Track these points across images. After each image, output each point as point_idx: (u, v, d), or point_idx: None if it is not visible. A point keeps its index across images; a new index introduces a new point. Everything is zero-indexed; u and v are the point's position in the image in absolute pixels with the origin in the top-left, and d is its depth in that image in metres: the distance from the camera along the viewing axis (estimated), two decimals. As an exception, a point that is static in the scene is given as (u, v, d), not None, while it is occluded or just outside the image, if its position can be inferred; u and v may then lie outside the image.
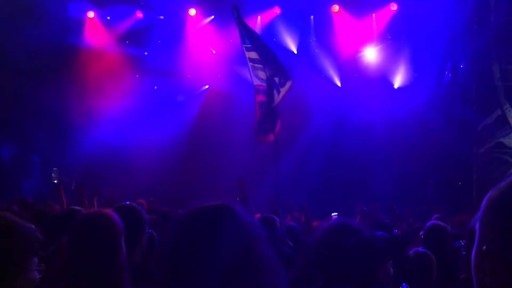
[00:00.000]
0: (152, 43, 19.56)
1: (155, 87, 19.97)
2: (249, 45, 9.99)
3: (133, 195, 11.90)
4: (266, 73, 9.51)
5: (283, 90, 9.51)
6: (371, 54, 18.96)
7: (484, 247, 1.32)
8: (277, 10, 19.03)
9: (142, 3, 18.90)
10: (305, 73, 18.53)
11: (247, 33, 10.12)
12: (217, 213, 2.06)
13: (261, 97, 9.83)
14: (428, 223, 5.89)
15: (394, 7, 18.14)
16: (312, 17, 18.84)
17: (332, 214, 12.18)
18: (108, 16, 19.35)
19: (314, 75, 19.01)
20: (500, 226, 1.30)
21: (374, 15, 18.34)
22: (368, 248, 3.10)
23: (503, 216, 1.30)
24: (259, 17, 19.15)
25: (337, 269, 3.09)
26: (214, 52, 19.87)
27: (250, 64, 9.62)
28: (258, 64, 9.74)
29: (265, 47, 10.10)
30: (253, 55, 9.65)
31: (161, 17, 19.39)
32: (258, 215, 6.71)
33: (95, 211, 3.00)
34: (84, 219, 2.89)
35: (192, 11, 19.28)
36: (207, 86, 20.40)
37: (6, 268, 2.35)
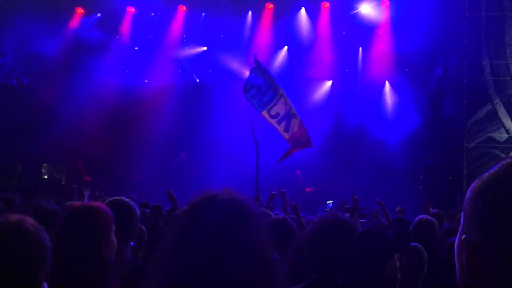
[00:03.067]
0: (143, 38, 19.56)
1: (146, 81, 19.98)
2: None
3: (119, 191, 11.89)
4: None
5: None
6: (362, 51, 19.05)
7: (463, 236, 1.33)
8: (269, 6, 19.07)
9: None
10: (298, 68, 18.64)
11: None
12: (234, 208, 1.91)
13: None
14: (417, 218, 5.92)
15: (386, 3, 18.18)
16: (303, 9, 18.81)
17: (327, 202, 12.29)
18: (99, 13, 19.34)
19: (306, 70, 19.09)
20: (479, 216, 1.30)
21: (363, 9, 18.34)
22: (378, 241, 3.12)
23: (483, 206, 1.30)
24: (250, 12, 19.17)
25: (341, 262, 3.10)
26: (205, 48, 19.90)
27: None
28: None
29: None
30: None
31: (152, 14, 19.38)
32: None
33: (85, 204, 2.97)
34: (74, 211, 2.87)
35: (182, 8, 19.29)
36: (197, 80, 20.42)
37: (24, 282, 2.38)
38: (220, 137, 18.36)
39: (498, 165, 1.33)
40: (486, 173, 1.34)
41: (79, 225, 2.80)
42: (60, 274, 2.66)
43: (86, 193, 9.13)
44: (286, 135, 10.09)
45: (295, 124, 10.08)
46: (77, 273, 2.69)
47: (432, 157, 16.92)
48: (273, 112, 10.01)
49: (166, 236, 1.97)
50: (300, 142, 10.23)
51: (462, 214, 1.37)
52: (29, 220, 2.49)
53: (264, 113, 9.99)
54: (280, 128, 10.05)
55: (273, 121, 10.06)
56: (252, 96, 9.94)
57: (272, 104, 9.96)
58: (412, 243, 4.86)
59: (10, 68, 17.90)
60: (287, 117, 10.08)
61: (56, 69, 18.39)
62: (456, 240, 1.37)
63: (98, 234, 2.81)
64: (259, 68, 10.19)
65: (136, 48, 19.78)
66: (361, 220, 8.03)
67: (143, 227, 4.40)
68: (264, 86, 10.06)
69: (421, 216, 6.08)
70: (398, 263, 3.25)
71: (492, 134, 15.43)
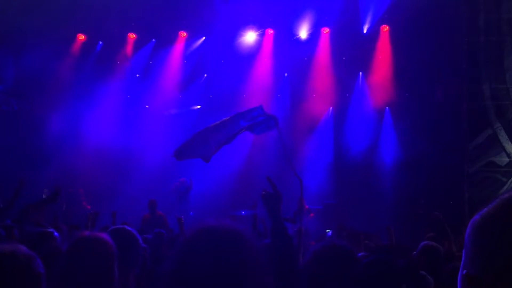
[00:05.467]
0: (144, 64, 19.64)
1: (147, 106, 20.02)
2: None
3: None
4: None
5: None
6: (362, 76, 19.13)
7: (464, 272, 1.33)
8: (270, 31, 19.19)
9: (133, 25, 18.97)
10: (299, 92, 18.73)
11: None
12: (231, 243, 1.91)
13: None
14: (421, 244, 5.89)
15: (385, 28, 18.29)
16: (303, 34, 18.86)
17: (327, 231, 12.30)
18: (100, 40, 19.47)
19: (307, 96, 19.16)
20: (479, 251, 1.31)
21: (364, 35, 18.42)
22: (387, 270, 3.09)
23: (482, 241, 1.31)
24: (251, 37, 19.26)
25: None
26: (205, 75, 19.99)
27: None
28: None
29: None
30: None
31: (153, 40, 19.51)
32: None
33: (90, 235, 2.95)
34: (78, 243, 2.85)
35: (183, 34, 19.43)
36: (198, 106, 20.44)
37: None
38: (220, 164, 18.37)
39: (496, 200, 1.34)
40: (485, 208, 1.35)
41: (83, 256, 2.78)
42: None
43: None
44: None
45: None
46: None
47: (433, 182, 16.88)
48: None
49: (165, 266, 1.95)
50: None
51: (464, 250, 1.38)
52: (21, 249, 2.49)
53: None
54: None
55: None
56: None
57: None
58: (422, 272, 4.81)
59: (11, 94, 17.97)
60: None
61: (57, 96, 18.47)
62: (459, 274, 1.38)
63: (104, 264, 2.79)
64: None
65: (138, 75, 19.87)
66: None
67: (147, 254, 4.37)
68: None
69: (425, 242, 6.05)
70: None
71: (493, 159, 15.43)
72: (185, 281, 1.85)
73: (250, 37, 19.19)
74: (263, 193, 3.35)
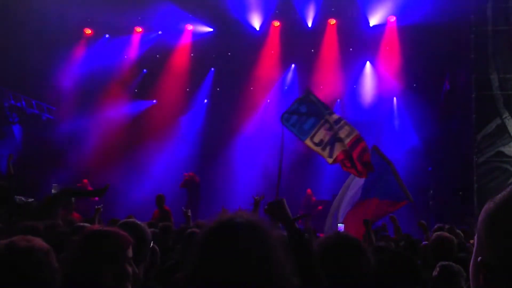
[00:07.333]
0: (151, 58, 19.63)
1: (154, 101, 20.04)
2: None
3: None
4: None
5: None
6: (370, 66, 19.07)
7: (479, 259, 1.33)
8: (276, 23, 19.12)
9: (140, 18, 18.94)
10: (306, 84, 18.66)
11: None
12: (247, 233, 1.95)
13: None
14: (435, 234, 5.82)
15: (392, 19, 18.21)
16: (310, 26, 18.77)
17: (338, 224, 12.31)
18: (107, 34, 19.45)
19: (314, 88, 19.09)
20: (494, 238, 1.30)
21: (371, 26, 18.34)
22: (407, 265, 3.05)
23: (496, 228, 1.30)
24: (257, 29, 19.20)
25: (357, 283, 3.04)
26: (213, 69, 19.96)
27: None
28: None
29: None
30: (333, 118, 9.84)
31: (160, 32, 19.47)
32: None
33: (101, 229, 2.90)
34: (91, 236, 2.81)
35: (190, 26, 19.39)
36: (205, 101, 20.43)
37: None
38: (226, 156, 18.41)
39: (510, 187, 1.33)
40: (499, 195, 1.34)
41: (92, 251, 2.72)
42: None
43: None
44: (330, 160, 9.78)
45: (338, 148, 9.74)
46: None
47: (442, 172, 16.84)
48: (316, 140, 9.71)
49: (186, 261, 1.99)
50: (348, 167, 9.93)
51: (476, 236, 1.38)
52: (38, 243, 2.49)
53: (307, 142, 9.73)
54: (325, 154, 9.73)
55: (318, 149, 9.76)
56: (292, 125, 9.67)
57: (314, 131, 9.70)
58: (450, 263, 4.69)
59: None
60: (331, 142, 9.76)
61: (65, 94, 18.52)
62: (471, 261, 1.38)
63: (117, 258, 2.73)
64: (308, 98, 9.99)
65: (145, 71, 19.87)
66: None
67: (157, 248, 4.35)
68: (307, 113, 9.83)
69: (438, 232, 6.00)
70: None
71: (501, 148, 15.35)
72: (208, 274, 1.88)
73: (257, 29, 19.13)
74: (266, 207, 3.36)
